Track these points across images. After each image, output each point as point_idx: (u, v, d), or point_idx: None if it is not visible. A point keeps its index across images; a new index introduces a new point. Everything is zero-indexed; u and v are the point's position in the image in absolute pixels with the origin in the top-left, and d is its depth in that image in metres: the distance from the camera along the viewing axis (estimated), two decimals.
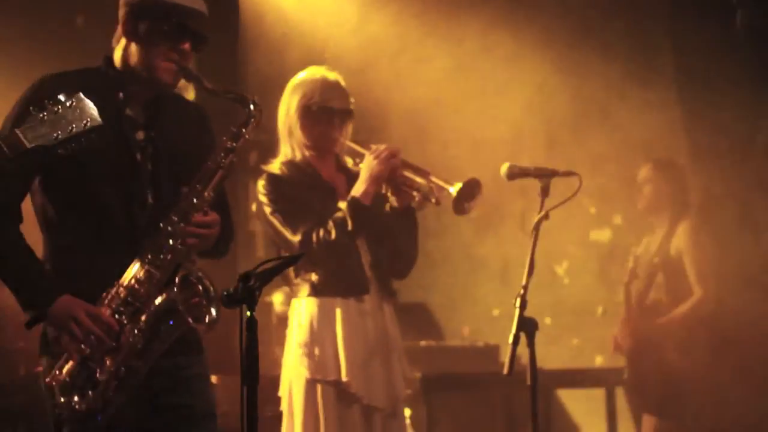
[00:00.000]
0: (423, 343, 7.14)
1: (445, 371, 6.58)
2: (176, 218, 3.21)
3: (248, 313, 2.91)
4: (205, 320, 3.22)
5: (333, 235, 4.09)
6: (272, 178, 4.22)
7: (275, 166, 4.27)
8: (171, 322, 3.18)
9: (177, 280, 3.19)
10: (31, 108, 2.61)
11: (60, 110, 2.59)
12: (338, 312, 4.14)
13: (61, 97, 2.60)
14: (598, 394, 6.71)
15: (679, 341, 5.60)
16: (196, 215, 3.22)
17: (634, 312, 5.66)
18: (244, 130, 3.31)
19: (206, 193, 3.24)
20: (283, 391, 4.22)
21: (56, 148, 2.59)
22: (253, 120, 3.32)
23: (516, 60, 7.67)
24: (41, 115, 2.58)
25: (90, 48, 4.18)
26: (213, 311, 3.24)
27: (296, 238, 4.11)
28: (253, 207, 4.44)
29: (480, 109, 7.84)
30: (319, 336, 4.14)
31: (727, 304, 5.88)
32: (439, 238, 7.79)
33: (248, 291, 2.92)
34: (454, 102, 7.82)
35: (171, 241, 3.20)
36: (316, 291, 4.16)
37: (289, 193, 4.18)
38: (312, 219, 4.14)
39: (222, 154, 3.28)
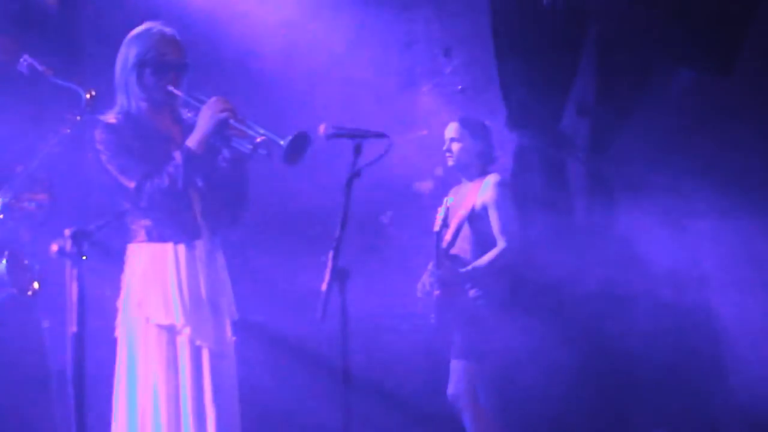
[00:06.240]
0: None
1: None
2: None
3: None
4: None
5: (167, 182, 4.22)
6: (108, 127, 4.31)
7: (111, 117, 4.37)
8: None
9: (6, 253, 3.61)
10: None
11: None
12: (170, 257, 4.29)
13: None
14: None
15: (482, 289, 5.85)
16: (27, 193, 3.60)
17: (442, 260, 5.88)
18: (78, 116, 3.68)
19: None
20: (119, 334, 4.35)
21: None
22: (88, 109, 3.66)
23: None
24: None
25: None
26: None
27: (131, 185, 4.23)
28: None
29: (309, 66, 8.02)
30: (152, 280, 4.28)
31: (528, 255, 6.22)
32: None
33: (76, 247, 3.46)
34: (281, 59, 7.97)
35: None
36: (149, 236, 4.31)
37: (125, 142, 4.28)
38: (146, 167, 4.26)
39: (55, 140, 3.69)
